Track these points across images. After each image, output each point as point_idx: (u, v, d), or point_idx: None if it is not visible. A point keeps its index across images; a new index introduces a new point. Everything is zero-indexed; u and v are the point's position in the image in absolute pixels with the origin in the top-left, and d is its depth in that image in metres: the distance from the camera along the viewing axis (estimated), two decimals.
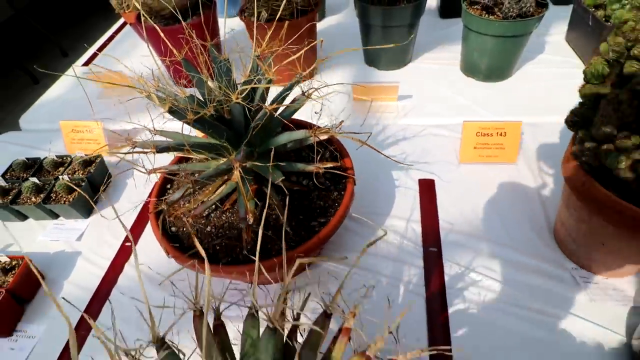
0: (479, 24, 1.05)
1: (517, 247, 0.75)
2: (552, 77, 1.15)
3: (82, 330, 0.72)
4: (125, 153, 0.49)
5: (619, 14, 0.51)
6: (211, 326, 0.40)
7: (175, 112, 0.49)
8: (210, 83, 0.54)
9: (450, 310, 0.67)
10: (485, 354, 0.62)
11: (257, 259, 0.32)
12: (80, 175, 0.93)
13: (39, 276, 0.32)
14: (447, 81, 1.18)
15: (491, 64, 1.12)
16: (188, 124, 0.49)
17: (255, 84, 0.51)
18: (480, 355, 0.62)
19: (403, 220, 0.82)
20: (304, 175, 0.72)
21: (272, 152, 0.51)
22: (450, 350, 0.61)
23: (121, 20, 1.75)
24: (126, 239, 0.87)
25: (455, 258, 0.74)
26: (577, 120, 0.56)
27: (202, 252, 0.33)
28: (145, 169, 0.62)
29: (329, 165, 0.64)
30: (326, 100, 0.60)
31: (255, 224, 0.62)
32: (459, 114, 1.05)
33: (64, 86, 1.41)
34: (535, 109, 1.05)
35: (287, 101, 0.67)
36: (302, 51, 0.57)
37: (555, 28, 1.33)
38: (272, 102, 0.63)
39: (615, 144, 0.51)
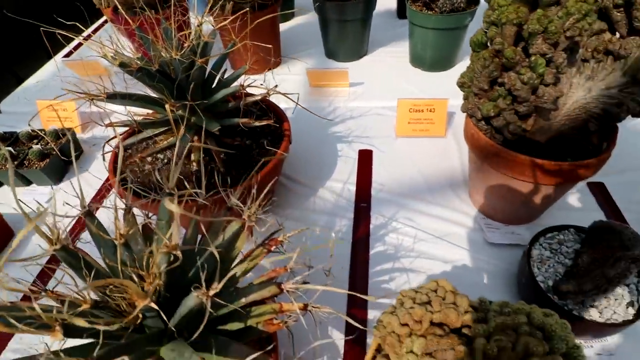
0: (420, 18, 1.18)
1: (436, 202, 0.86)
2: None
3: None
4: (81, 93, 0.59)
5: None
6: (140, 225, 0.50)
7: (124, 64, 0.59)
8: (158, 46, 0.65)
9: (372, 252, 0.77)
10: (397, 285, 0.72)
11: (176, 148, 0.42)
12: (53, 145, 1.02)
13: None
14: (396, 71, 1.30)
15: (433, 55, 1.24)
16: (130, 73, 0.59)
17: (192, 44, 0.62)
18: (392, 287, 0.72)
19: (340, 182, 0.92)
20: (247, 136, 0.82)
21: (191, 85, 0.61)
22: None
23: (100, 21, 1.85)
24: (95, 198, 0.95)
25: (382, 211, 0.85)
26: (464, 81, 0.67)
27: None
28: (103, 123, 0.71)
29: (265, 122, 0.74)
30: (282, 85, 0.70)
31: (199, 172, 0.71)
32: (403, 97, 1.17)
33: (43, 76, 1.50)
34: None
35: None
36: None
37: None
38: (214, 68, 0.74)
39: (486, 95, 0.62)
